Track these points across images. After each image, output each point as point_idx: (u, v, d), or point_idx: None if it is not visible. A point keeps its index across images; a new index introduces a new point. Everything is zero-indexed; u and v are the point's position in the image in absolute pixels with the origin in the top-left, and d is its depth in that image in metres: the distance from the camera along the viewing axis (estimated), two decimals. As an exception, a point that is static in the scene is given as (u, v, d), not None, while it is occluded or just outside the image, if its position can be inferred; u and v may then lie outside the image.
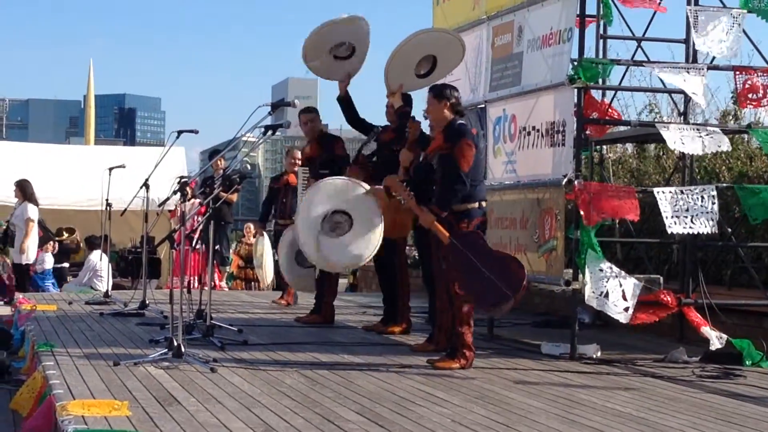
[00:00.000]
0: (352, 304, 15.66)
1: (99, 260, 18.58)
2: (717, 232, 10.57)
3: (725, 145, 10.63)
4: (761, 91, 10.84)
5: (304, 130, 12.94)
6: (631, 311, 10.20)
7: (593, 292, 10.17)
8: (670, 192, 10.54)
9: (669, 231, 10.45)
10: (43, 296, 16.27)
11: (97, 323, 12.20)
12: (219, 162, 16.61)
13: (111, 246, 17.80)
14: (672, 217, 10.36)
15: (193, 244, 12.97)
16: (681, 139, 10.47)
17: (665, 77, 10.78)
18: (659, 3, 11.00)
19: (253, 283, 21.73)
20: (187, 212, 17.53)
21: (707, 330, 10.40)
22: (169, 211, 17.26)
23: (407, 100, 11.65)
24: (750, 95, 10.89)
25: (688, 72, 10.63)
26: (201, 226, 12.32)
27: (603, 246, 10.67)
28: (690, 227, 10.39)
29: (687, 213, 10.39)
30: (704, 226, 10.39)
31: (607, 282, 10.18)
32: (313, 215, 10.73)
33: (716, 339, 10.33)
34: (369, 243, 10.74)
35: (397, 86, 11.42)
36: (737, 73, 10.99)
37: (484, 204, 9.80)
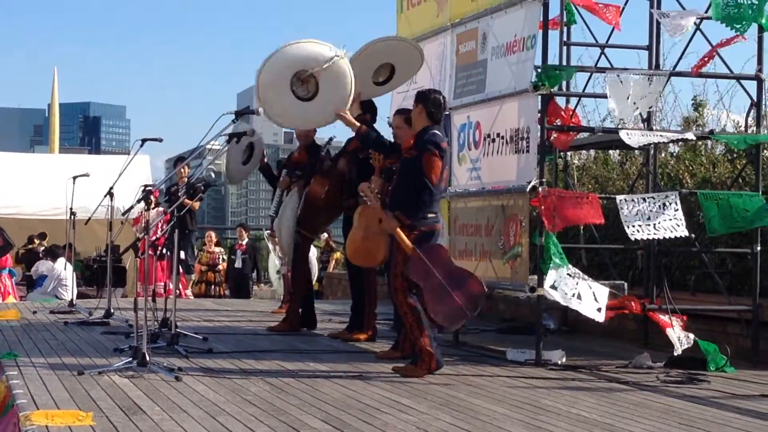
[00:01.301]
0: (318, 312, 15.61)
1: (63, 269, 18.50)
2: (684, 236, 10.63)
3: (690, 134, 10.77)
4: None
5: (298, 134, 12.90)
6: (604, 311, 10.24)
7: (565, 294, 10.18)
8: (633, 200, 10.60)
9: (632, 238, 10.52)
10: (7, 305, 16.17)
11: (62, 332, 12.14)
12: (183, 170, 16.56)
13: (75, 255, 17.72)
14: (634, 225, 10.42)
15: (158, 253, 12.93)
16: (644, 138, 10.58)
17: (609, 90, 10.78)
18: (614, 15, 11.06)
19: (213, 286, 21.85)
20: (152, 221, 17.55)
21: (672, 332, 10.44)
22: (133, 218, 17.20)
23: (369, 107, 11.67)
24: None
25: (649, 80, 10.70)
26: (165, 235, 12.28)
27: (568, 252, 10.70)
28: (654, 233, 10.45)
29: (649, 221, 10.46)
30: (670, 231, 10.45)
31: (577, 284, 10.21)
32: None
33: (683, 340, 10.37)
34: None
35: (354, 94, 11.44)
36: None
37: (430, 215, 9.66)
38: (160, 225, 13.33)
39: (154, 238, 12.24)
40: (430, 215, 9.61)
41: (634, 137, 10.59)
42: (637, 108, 10.73)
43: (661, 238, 10.56)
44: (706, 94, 14.71)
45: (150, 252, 12.01)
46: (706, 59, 11.05)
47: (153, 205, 16.42)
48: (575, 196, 10.80)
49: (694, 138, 11.85)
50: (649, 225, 10.43)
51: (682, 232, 10.50)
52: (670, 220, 10.48)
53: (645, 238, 10.54)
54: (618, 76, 10.72)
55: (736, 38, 10.88)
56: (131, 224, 17.73)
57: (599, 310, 10.24)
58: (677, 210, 10.51)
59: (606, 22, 11.15)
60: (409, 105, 11.06)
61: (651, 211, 10.49)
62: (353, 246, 10.89)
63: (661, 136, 10.87)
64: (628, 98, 10.57)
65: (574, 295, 10.21)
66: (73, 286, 17.00)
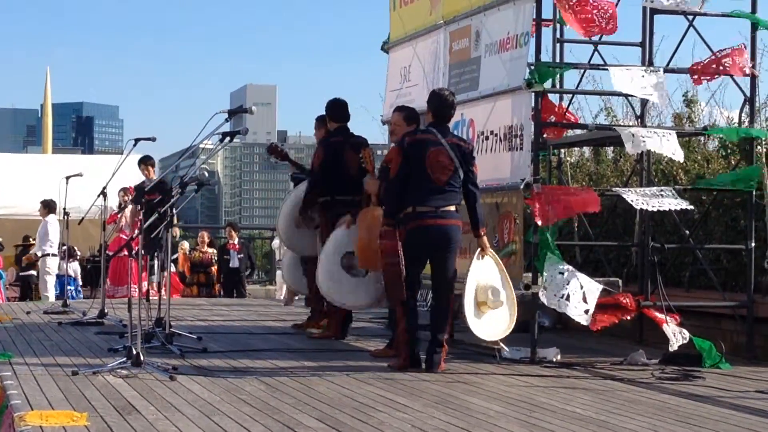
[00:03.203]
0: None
1: (53, 224, 18.72)
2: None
3: (679, 155, 10.75)
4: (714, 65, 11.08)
5: (315, 135, 12.91)
6: (591, 314, 10.23)
7: (554, 294, 10.18)
8: (631, 191, 10.67)
9: (638, 208, 10.70)
10: (1, 306, 16.15)
11: (56, 333, 12.11)
12: (148, 170, 16.28)
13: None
14: (639, 198, 10.55)
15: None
16: (641, 137, 10.56)
17: (616, 76, 10.77)
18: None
19: (206, 288, 21.79)
20: (127, 220, 17.51)
21: (668, 328, 10.44)
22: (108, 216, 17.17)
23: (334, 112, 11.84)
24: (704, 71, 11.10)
25: (643, 75, 10.70)
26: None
27: (562, 249, 10.68)
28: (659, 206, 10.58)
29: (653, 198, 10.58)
30: (674, 205, 10.58)
31: (567, 284, 10.20)
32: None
33: (679, 336, 10.38)
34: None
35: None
36: (694, 75, 11.11)
37: (410, 210, 9.68)
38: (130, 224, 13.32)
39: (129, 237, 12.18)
40: (419, 208, 9.64)
41: (647, 138, 10.59)
42: (652, 95, 10.73)
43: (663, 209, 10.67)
44: (696, 90, 14.67)
45: (125, 253, 11.85)
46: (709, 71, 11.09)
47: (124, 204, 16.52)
48: (570, 191, 10.81)
49: (695, 130, 11.90)
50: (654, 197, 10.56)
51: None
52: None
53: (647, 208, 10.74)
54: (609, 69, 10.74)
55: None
56: (106, 222, 17.75)
57: (587, 311, 10.23)
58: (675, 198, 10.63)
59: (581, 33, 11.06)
60: (403, 102, 11.08)
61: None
62: (360, 250, 10.90)
63: (654, 132, 10.85)
64: (632, 81, 10.57)
65: (563, 297, 10.21)
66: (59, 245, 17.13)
